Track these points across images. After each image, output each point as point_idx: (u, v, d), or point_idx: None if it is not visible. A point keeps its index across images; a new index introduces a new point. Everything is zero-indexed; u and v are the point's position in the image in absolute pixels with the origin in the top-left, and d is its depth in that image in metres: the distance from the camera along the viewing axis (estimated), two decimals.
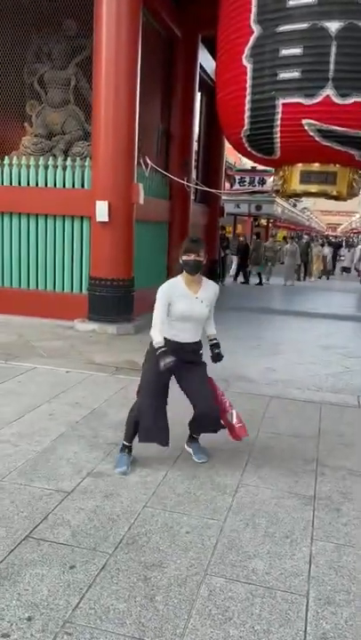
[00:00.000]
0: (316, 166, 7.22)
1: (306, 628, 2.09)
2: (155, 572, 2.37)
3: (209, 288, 3.39)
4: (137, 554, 2.49)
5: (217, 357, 3.49)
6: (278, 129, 6.55)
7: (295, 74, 6.17)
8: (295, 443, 3.96)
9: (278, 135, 6.63)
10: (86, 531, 2.65)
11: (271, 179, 12.60)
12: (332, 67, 6.00)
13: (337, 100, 6.11)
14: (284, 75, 6.22)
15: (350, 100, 6.10)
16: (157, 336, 3.21)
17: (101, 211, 7.12)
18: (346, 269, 22.70)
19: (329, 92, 6.10)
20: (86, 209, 7.39)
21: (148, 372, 3.33)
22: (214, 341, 3.53)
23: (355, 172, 7.25)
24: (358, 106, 6.13)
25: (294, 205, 38.21)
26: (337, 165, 7.16)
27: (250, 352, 6.76)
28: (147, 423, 3.28)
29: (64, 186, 7.81)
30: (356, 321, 9.86)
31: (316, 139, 6.47)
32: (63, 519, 2.74)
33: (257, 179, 21.19)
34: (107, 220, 7.14)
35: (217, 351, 3.49)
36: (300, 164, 7.26)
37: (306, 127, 6.38)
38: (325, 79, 6.05)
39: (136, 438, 3.37)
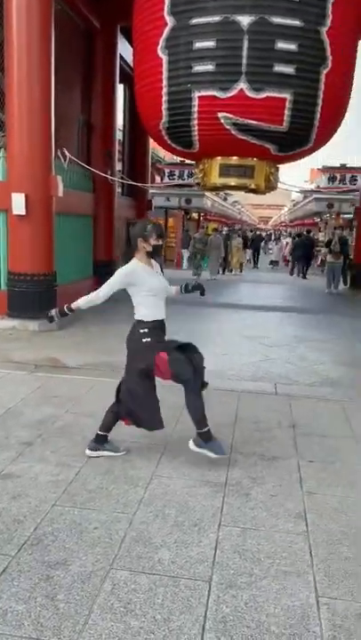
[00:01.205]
0: (234, 160, 7.35)
1: (206, 613, 2.12)
2: (58, 571, 2.32)
3: (156, 264, 3.54)
4: (41, 554, 2.44)
5: (195, 286, 3.83)
6: (196, 122, 6.61)
7: (209, 67, 6.23)
8: (213, 432, 4.00)
9: (196, 128, 6.69)
10: None
11: None
12: (244, 61, 6.10)
13: (251, 94, 6.23)
14: (199, 67, 6.27)
15: (263, 95, 6.24)
16: (82, 301, 3.35)
17: (18, 203, 6.90)
18: (274, 263, 23.14)
19: (243, 85, 6.21)
20: (2, 201, 7.12)
21: (134, 373, 3.41)
22: (179, 287, 3.75)
23: (271, 166, 7.44)
24: (271, 100, 6.28)
25: (225, 199, 38.72)
26: (254, 159, 7.32)
27: None
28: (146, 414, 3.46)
29: None
30: (281, 311, 10.16)
31: (233, 132, 6.57)
32: None
33: (186, 172, 21.28)
34: (24, 212, 6.92)
35: (191, 283, 3.81)
36: (219, 158, 7.36)
37: (222, 120, 6.47)
38: (239, 73, 6.15)
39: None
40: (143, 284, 3.34)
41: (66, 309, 3.39)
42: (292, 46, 6.09)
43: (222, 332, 7.86)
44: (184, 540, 2.60)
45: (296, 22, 6.02)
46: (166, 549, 2.52)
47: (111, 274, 3.44)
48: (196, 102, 6.41)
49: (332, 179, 20.25)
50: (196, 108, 6.45)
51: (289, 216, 46.27)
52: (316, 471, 3.41)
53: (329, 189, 20.02)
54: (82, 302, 3.38)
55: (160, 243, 3.40)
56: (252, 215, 70.01)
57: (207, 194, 23.12)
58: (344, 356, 6.69)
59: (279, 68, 6.13)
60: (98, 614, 2.08)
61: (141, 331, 3.39)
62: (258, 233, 29.59)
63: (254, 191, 7.93)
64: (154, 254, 3.44)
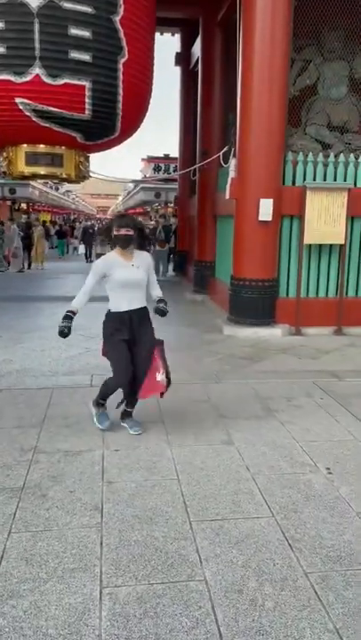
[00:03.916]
0: (41, 148, 7.09)
1: None
2: None
3: (142, 256, 3.75)
4: None
5: (157, 310, 3.81)
6: None
7: (0, 49, 5.87)
8: (16, 434, 3.83)
9: None
10: None
11: None
12: (37, 45, 5.88)
13: (47, 80, 6.03)
14: None
15: (61, 81, 6.08)
16: (76, 301, 3.75)
17: None
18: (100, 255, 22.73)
19: (38, 71, 5.98)
20: None
21: (111, 347, 3.73)
22: (159, 298, 3.86)
23: (81, 155, 7.32)
24: (69, 87, 6.15)
25: (56, 189, 37.66)
26: (63, 147, 7.14)
27: None
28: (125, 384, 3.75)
29: None
30: (102, 301, 10.14)
31: (34, 119, 6.31)
32: None
33: None
34: None
35: (160, 305, 3.81)
36: (24, 145, 7.04)
37: (21, 106, 6.18)
38: (32, 57, 5.91)
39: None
40: (111, 276, 3.62)
41: (66, 315, 3.82)
42: (86, 33, 6.00)
43: (44, 327, 7.60)
44: None
45: (88, 9, 5.94)
46: None
47: None
48: None
49: (156, 168, 20.85)
50: None
51: (123, 205, 46.79)
52: (120, 459, 3.45)
53: (153, 178, 20.58)
54: (75, 302, 3.82)
55: (121, 233, 3.57)
56: (89, 205, 69.43)
57: (33, 183, 22.28)
58: (166, 341, 6.81)
59: (75, 54, 6.01)
60: None
61: (104, 320, 3.82)
62: (90, 223, 29.13)
63: (67, 180, 7.75)
64: (124, 243, 3.62)
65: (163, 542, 2.57)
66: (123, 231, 3.59)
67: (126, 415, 3.96)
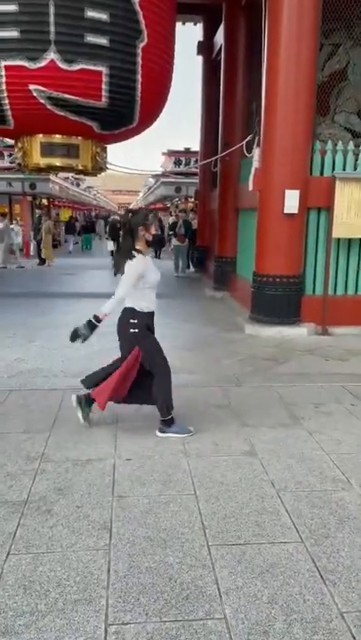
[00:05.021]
0: (57, 138, 6.84)
1: None
2: None
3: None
4: None
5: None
6: (5, 94, 5.97)
7: (14, 33, 5.62)
8: (23, 439, 3.59)
9: (7, 101, 6.05)
10: None
11: None
12: (52, 29, 5.60)
13: (63, 66, 5.75)
14: (2, 33, 5.62)
15: (76, 67, 5.80)
16: (109, 308, 3.37)
17: None
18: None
19: (53, 56, 5.70)
20: None
21: (154, 348, 3.54)
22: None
23: (97, 145, 7.05)
24: (86, 73, 5.87)
25: (77, 184, 37.57)
26: (79, 138, 6.87)
27: (1, 343, 6.20)
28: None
29: None
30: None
31: (49, 107, 6.05)
32: None
33: None
34: None
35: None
36: (40, 136, 6.79)
37: (35, 94, 5.92)
38: (47, 42, 5.63)
39: None
40: (146, 277, 3.42)
41: (93, 325, 3.40)
42: (104, 16, 5.70)
43: (57, 324, 7.37)
44: None
45: None
46: None
47: None
48: (2, 73, 5.76)
49: (177, 162, 20.50)
50: (3, 79, 5.79)
51: (143, 201, 46.53)
52: (133, 470, 3.18)
53: (173, 172, 20.25)
54: (109, 308, 3.38)
55: (153, 232, 3.51)
56: (110, 201, 69.39)
57: (53, 178, 22.11)
58: (184, 340, 6.61)
59: (91, 38, 5.71)
60: None
61: (131, 321, 3.47)
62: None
63: (83, 172, 7.49)
64: (149, 244, 3.57)
65: (177, 570, 2.28)
66: (154, 230, 3.55)
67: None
